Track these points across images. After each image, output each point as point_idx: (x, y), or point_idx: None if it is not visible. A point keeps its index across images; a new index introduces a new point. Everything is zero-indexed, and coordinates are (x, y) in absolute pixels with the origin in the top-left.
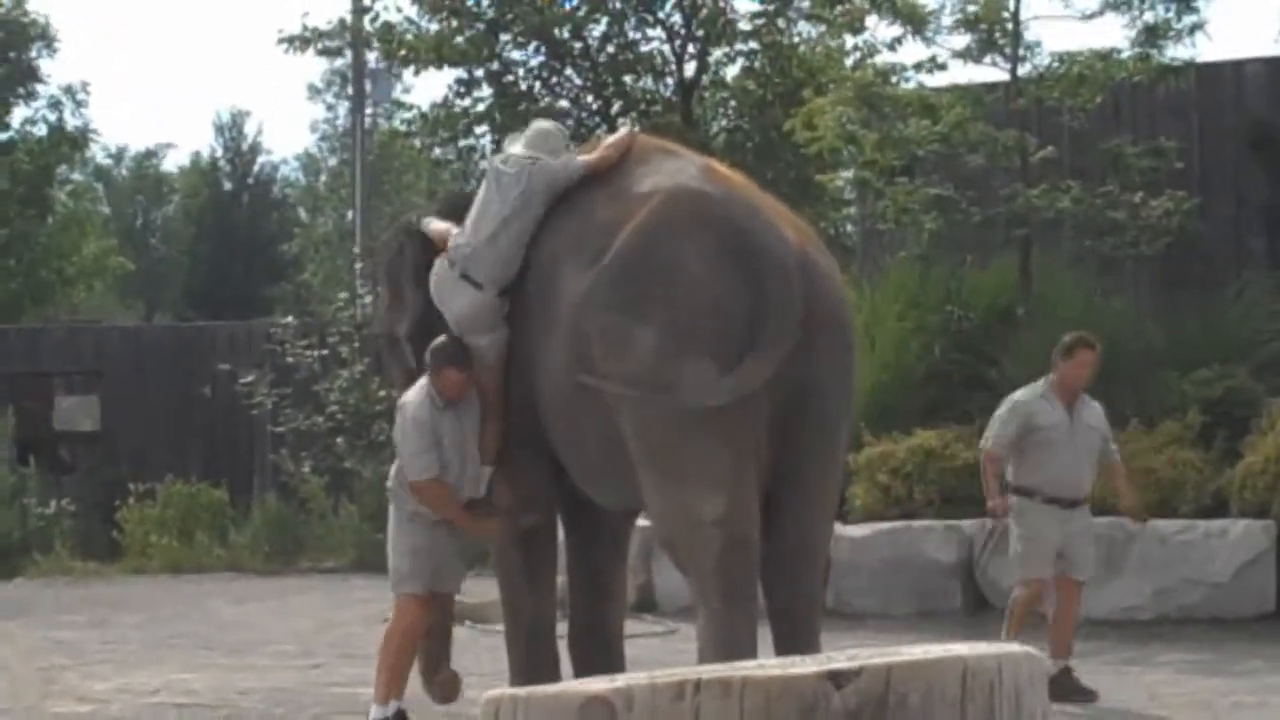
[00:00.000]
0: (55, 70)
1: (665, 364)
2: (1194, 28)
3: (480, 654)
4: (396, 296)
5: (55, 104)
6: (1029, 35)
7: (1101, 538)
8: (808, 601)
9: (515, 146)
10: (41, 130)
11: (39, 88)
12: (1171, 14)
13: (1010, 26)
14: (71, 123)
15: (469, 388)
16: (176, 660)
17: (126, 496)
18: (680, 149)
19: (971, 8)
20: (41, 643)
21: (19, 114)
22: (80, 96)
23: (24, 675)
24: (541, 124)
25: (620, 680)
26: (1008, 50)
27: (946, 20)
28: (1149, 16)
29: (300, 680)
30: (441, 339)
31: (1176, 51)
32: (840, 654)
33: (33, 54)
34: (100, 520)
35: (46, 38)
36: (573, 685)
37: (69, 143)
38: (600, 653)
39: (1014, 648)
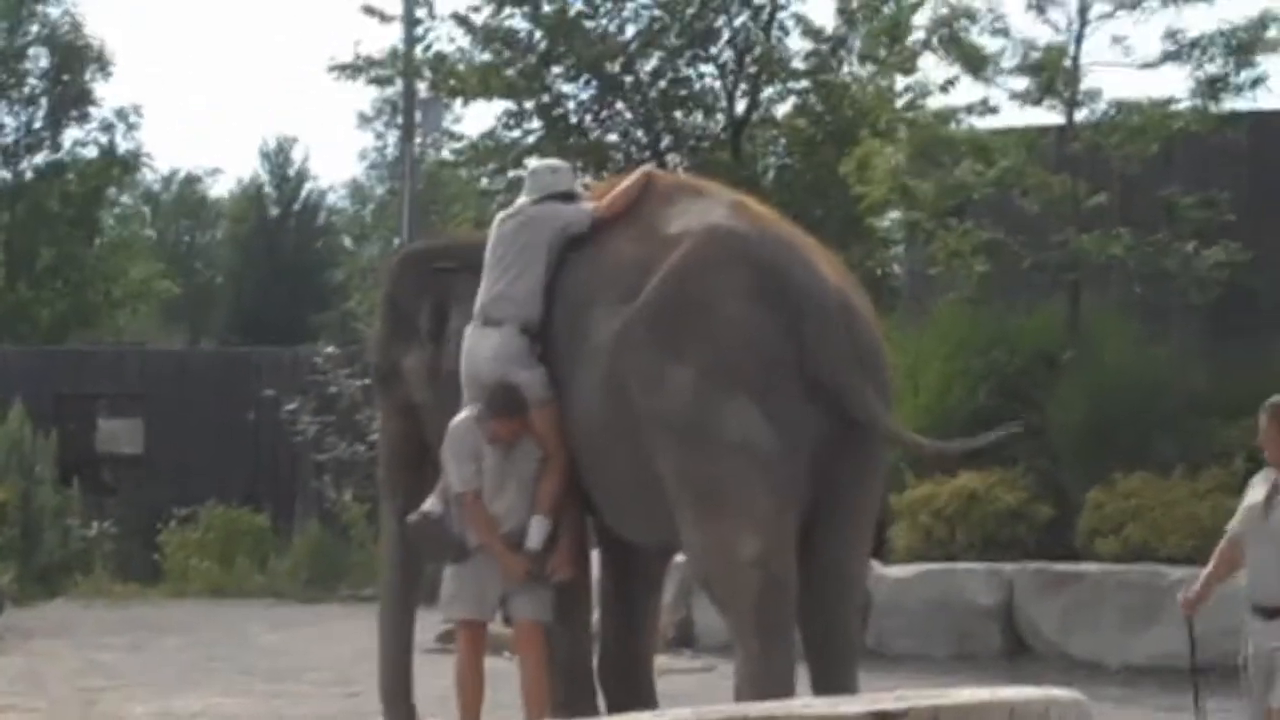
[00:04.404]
0: (108, 93)
1: (703, 402)
2: (1255, 81)
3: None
4: (404, 326)
5: (107, 127)
6: (1089, 81)
7: (1140, 586)
8: (844, 639)
9: (521, 198)
10: (93, 153)
11: (92, 110)
12: (1230, 67)
13: (1070, 71)
14: (123, 146)
15: (519, 434)
16: (216, 685)
17: (168, 520)
18: (706, 186)
19: (1034, 54)
20: (81, 664)
21: (71, 135)
22: (133, 120)
23: (64, 696)
24: (537, 164)
25: (667, 715)
26: (1066, 95)
27: (1007, 64)
28: (1210, 68)
29: (339, 709)
30: (495, 387)
31: (1235, 104)
32: (887, 694)
33: (87, 77)
34: (141, 543)
35: (102, 61)
36: None
37: (120, 166)
38: (631, 687)
39: (1061, 692)
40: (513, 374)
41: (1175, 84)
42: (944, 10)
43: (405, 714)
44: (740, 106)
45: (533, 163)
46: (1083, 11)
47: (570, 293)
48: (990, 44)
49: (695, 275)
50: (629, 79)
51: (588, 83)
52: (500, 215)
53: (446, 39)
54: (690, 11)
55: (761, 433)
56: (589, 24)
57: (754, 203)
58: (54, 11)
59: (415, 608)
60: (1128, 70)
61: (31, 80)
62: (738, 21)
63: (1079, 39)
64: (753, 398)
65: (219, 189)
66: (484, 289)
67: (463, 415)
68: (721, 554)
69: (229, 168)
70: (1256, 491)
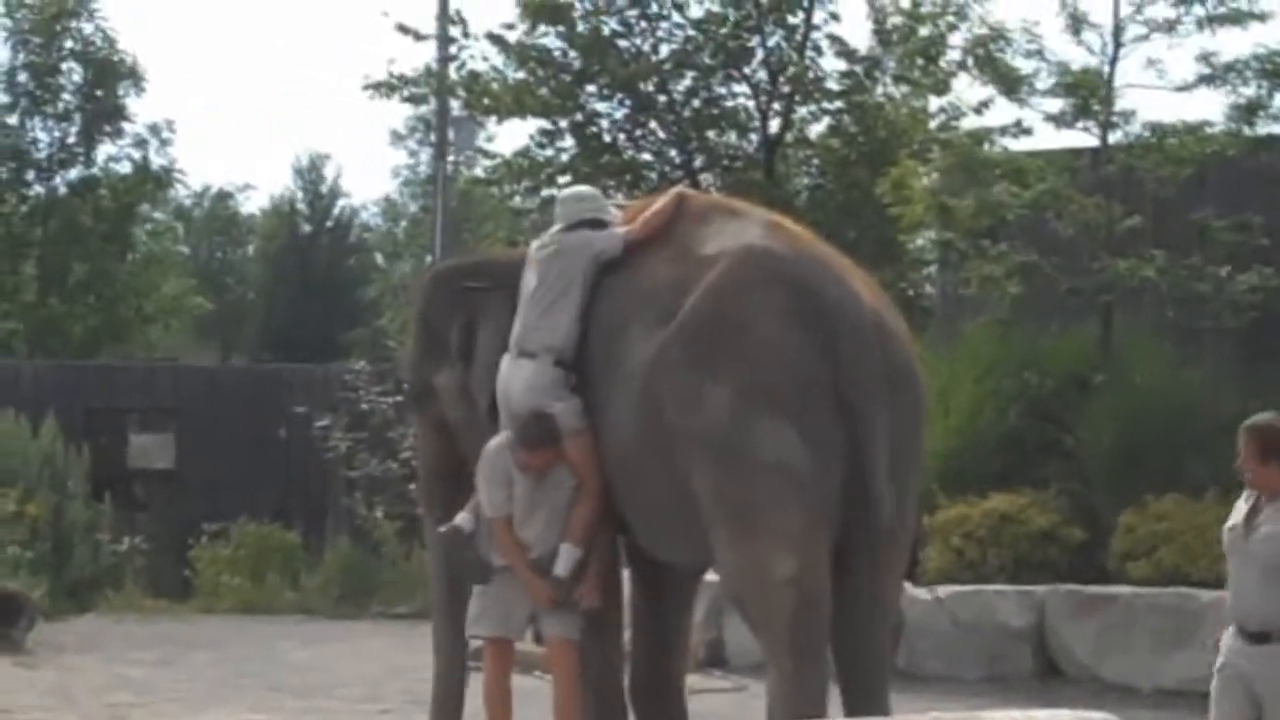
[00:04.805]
0: (142, 109)
1: (739, 422)
2: None
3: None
4: (435, 344)
5: (140, 142)
6: (1123, 104)
7: (1171, 609)
8: (876, 660)
9: (553, 227)
10: (126, 168)
11: (125, 126)
12: (1265, 91)
13: (1104, 93)
14: (156, 161)
15: (551, 464)
16: (245, 701)
17: (199, 535)
18: (740, 206)
19: (1069, 76)
20: (111, 679)
21: (104, 151)
22: (166, 135)
23: (93, 711)
24: (567, 192)
25: None
26: (1100, 117)
27: (1041, 85)
28: (1245, 91)
29: None
30: (527, 416)
31: (1270, 128)
32: (919, 716)
33: (120, 92)
34: (172, 559)
35: (135, 76)
36: None
37: (153, 181)
38: (662, 707)
39: (1093, 715)
40: (546, 405)
41: (1210, 107)
42: (980, 31)
43: None
44: (774, 126)
45: (563, 191)
46: (1117, 34)
47: (605, 316)
48: (1025, 65)
49: (731, 295)
50: (663, 98)
51: (621, 102)
52: (534, 245)
53: (480, 58)
54: (724, 31)
55: (797, 453)
56: (623, 43)
57: (789, 223)
58: (87, 27)
59: (464, 621)
60: (1162, 93)
61: (65, 95)
62: (771, 41)
63: (1114, 61)
64: (788, 418)
65: (251, 205)
66: (519, 319)
67: (496, 441)
68: (756, 573)
69: (261, 184)
70: (1238, 513)
